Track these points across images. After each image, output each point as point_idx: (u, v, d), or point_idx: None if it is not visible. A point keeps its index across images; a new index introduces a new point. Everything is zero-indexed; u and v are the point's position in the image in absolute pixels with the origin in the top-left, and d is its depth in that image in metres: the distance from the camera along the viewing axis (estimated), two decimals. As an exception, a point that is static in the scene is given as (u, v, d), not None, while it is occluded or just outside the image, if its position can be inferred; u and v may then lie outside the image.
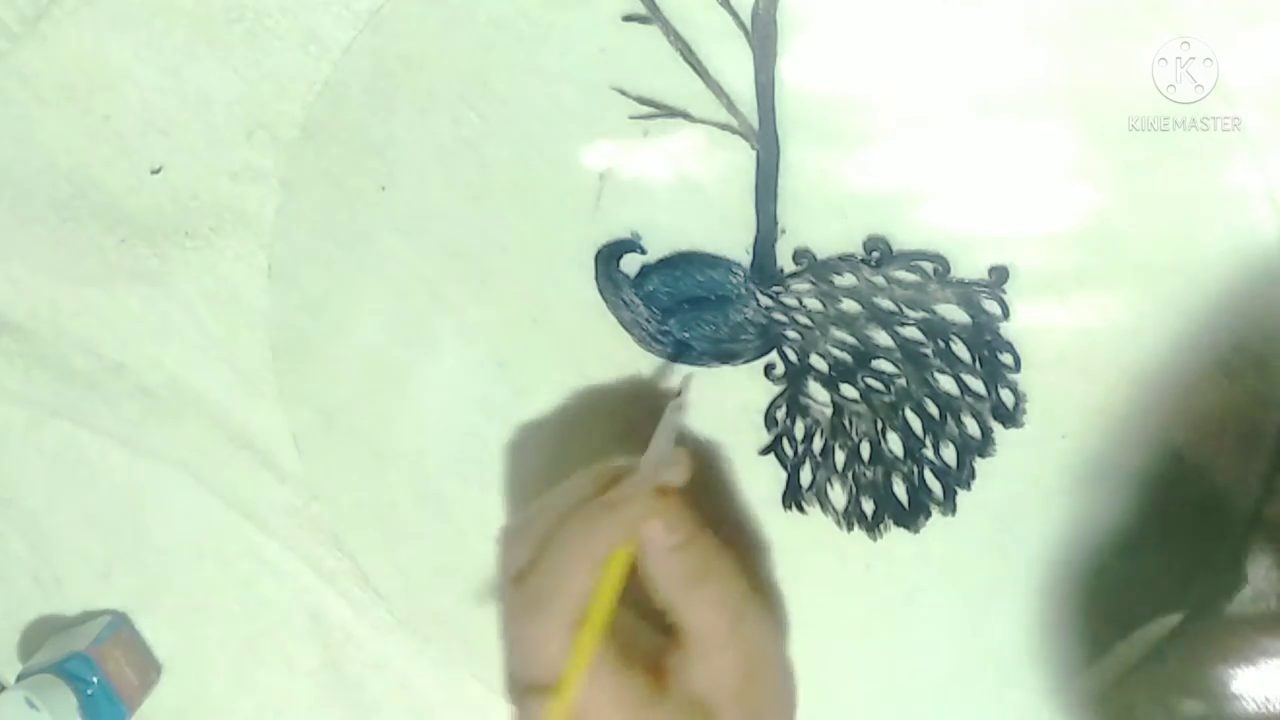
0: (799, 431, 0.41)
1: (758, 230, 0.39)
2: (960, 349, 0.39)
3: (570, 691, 0.32)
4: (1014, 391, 0.39)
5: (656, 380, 0.41)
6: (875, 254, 0.39)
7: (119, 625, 0.48)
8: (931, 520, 0.41)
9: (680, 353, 0.41)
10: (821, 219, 0.39)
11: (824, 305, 0.40)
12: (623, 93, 0.39)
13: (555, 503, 0.36)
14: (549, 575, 0.34)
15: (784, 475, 0.42)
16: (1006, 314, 0.39)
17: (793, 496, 0.42)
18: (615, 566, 0.34)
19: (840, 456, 0.41)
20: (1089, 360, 0.39)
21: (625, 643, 0.34)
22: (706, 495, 0.39)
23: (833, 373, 0.41)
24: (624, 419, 0.41)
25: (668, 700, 0.34)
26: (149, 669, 0.48)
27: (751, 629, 0.36)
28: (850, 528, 0.42)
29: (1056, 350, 0.39)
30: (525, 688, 0.33)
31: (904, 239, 0.38)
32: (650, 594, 0.35)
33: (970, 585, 0.42)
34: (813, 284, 0.40)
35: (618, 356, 0.42)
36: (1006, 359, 0.39)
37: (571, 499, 0.36)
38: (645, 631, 0.35)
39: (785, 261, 0.39)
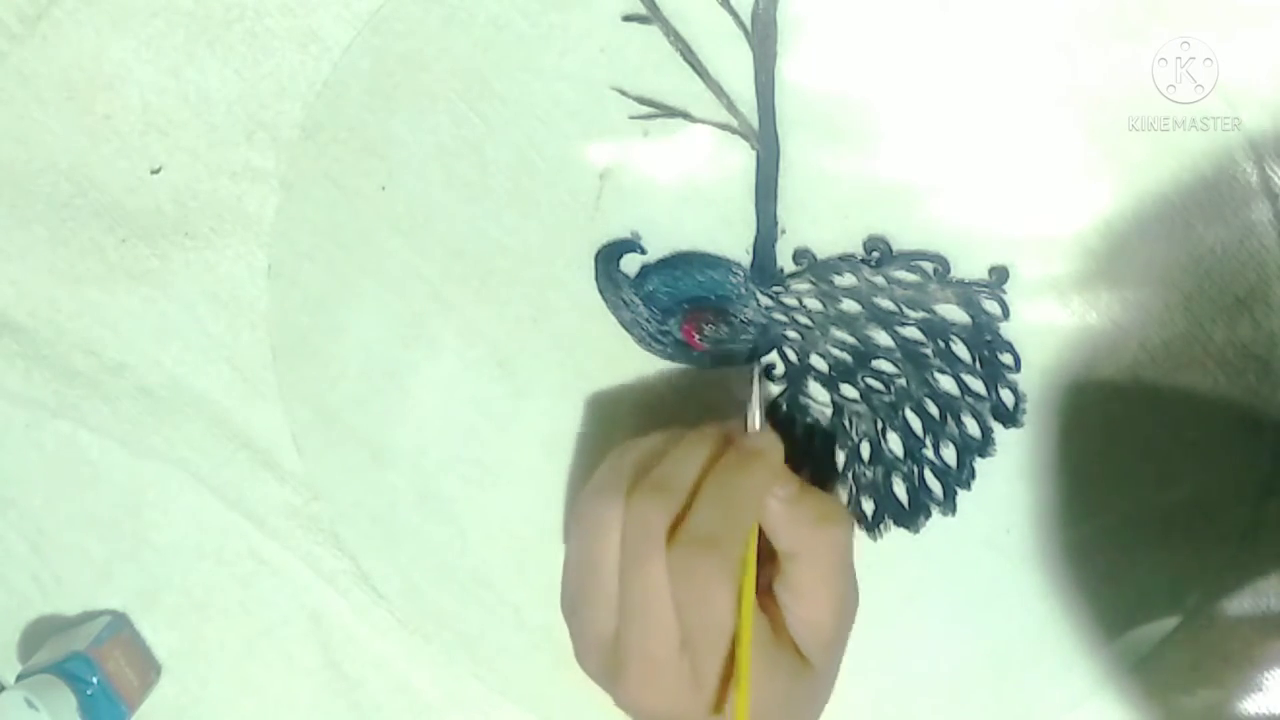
0: (799, 431, 0.41)
1: (758, 230, 0.39)
2: (960, 349, 0.39)
3: (746, 645, 0.33)
4: (1014, 391, 0.39)
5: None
6: (875, 254, 0.39)
7: (119, 625, 0.48)
8: (931, 520, 0.41)
9: (680, 353, 0.41)
10: (821, 219, 0.39)
11: (824, 305, 0.40)
12: (623, 93, 0.39)
13: (691, 453, 0.36)
14: (717, 521, 0.34)
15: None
16: (1006, 314, 0.39)
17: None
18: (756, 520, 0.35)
19: (840, 456, 0.41)
20: (1089, 360, 0.39)
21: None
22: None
23: (833, 373, 0.41)
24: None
25: (781, 642, 0.35)
26: (149, 669, 0.48)
27: (852, 581, 0.38)
28: (850, 528, 0.42)
29: (1056, 350, 0.39)
30: (695, 632, 0.33)
31: (904, 239, 0.38)
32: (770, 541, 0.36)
33: (970, 585, 0.42)
34: (813, 284, 0.40)
35: (618, 356, 0.42)
36: (1006, 359, 0.39)
37: (705, 450, 0.36)
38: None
39: (785, 261, 0.40)
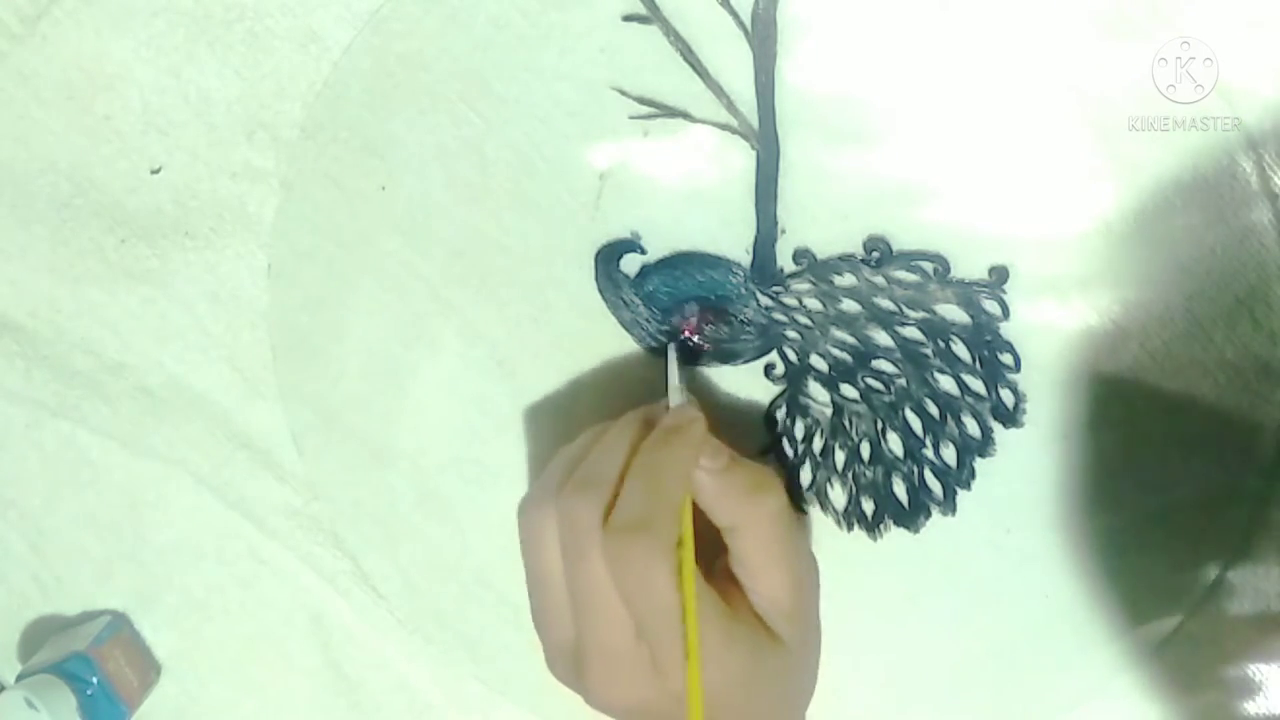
0: (799, 431, 0.41)
1: (758, 230, 0.39)
2: (960, 349, 0.39)
3: (693, 621, 0.33)
4: (1014, 391, 0.39)
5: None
6: (875, 254, 0.39)
7: (119, 625, 0.48)
8: (931, 520, 0.41)
9: (680, 352, 0.41)
10: (821, 219, 0.39)
11: (824, 305, 0.40)
12: (623, 93, 0.39)
13: (614, 442, 0.36)
14: (644, 504, 0.34)
15: (784, 475, 0.42)
16: (1006, 314, 0.39)
17: (793, 497, 0.42)
18: (689, 496, 0.35)
19: (840, 456, 0.41)
20: (1089, 360, 0.39)
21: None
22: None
23: (833, 373, 0.41)
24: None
25: (740, 619, 0.35)
26: (149, 669, 0.48)
27: (801, 546, 0.37)
28: (850, 528, 0.42)
29: (1056, 350, 0.39)
30: (643, 618, 0.33)
31: (904, 239, 0.38)
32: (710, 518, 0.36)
33: (970, 585, 0.42)
34: (813, 284, 0.40)
35: (618, 356, 0.42)
36: (1006, 359, 0.39)
37: (627, 437, 0.36)
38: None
39: (785, 261, 0.39)
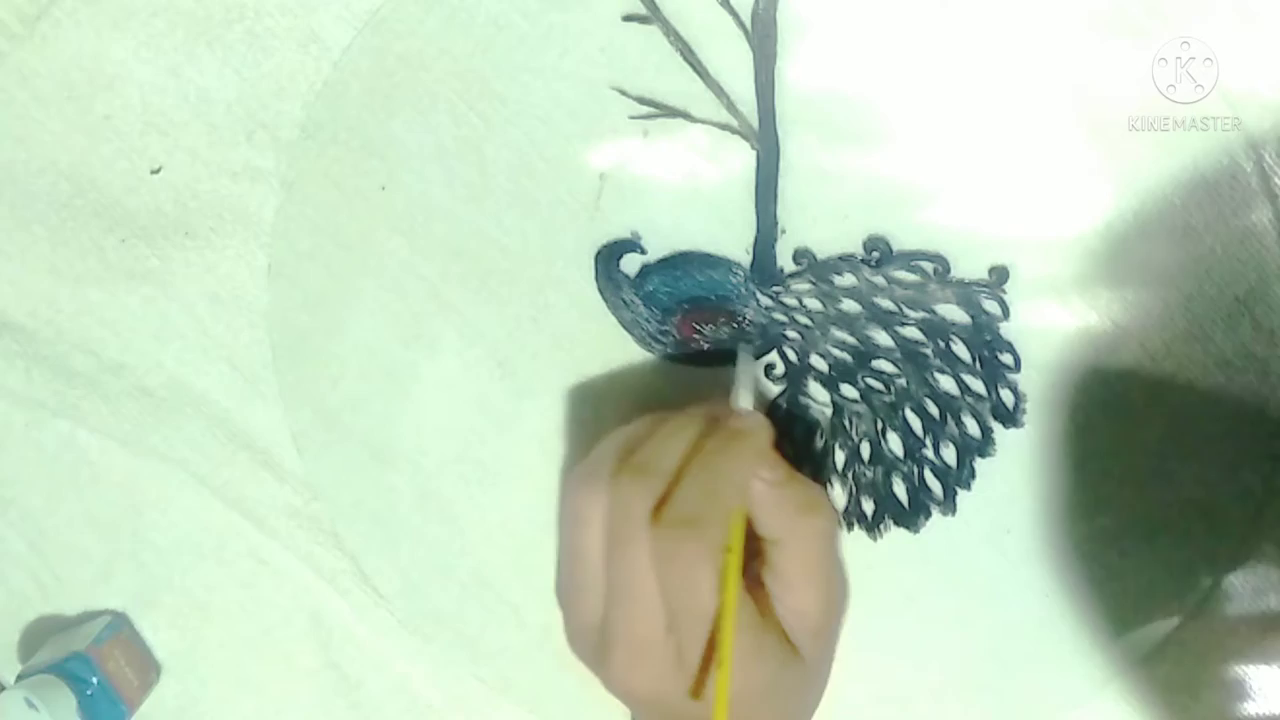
0: (798, 431, 0.41)
1: (758, 230, 0.39)
2: (960, 349, 0.39)
3: (729, 628, 0.33)
4: (1014, 391, 0.39)
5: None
6: (875, 254, 0.39)
7: (119, 625, 0.48)
8: (931, 520, 0.41)
9: (680, 352, 0.41)
10: (821, 219, 0.39)
11: (824, 305, 0.40)
12: (623, 93, 0.39)
13: (675, 434, 0.36)
14: (700, 503, 0.34)
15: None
16: (1006, 314, 0.39)
17: (793, 496, 0.42)
18: (744, 504, 0.35)
19: (840, 456, 0.41)
20: (1089, 360, 0.39)
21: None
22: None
23: (833, 373, 0.41)
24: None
25: (769, 627, 0.35)
26: (149, 669, 0.48)
27: (840, 568, 0.38)
28: (850, 528, 0.42)
29: (1056, 350, 0.39)
30: (679, 614, 0.33)
31: (904, 239, 0.38)
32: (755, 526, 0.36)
33: (970, 585, 0.42)
34: (813, 284, 0.40)
35: (618, 356, 0.42)
36: (1006, 359, 0.39)
37: (690, 431, 0.36)
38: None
39: (785, 261, 0.40)
